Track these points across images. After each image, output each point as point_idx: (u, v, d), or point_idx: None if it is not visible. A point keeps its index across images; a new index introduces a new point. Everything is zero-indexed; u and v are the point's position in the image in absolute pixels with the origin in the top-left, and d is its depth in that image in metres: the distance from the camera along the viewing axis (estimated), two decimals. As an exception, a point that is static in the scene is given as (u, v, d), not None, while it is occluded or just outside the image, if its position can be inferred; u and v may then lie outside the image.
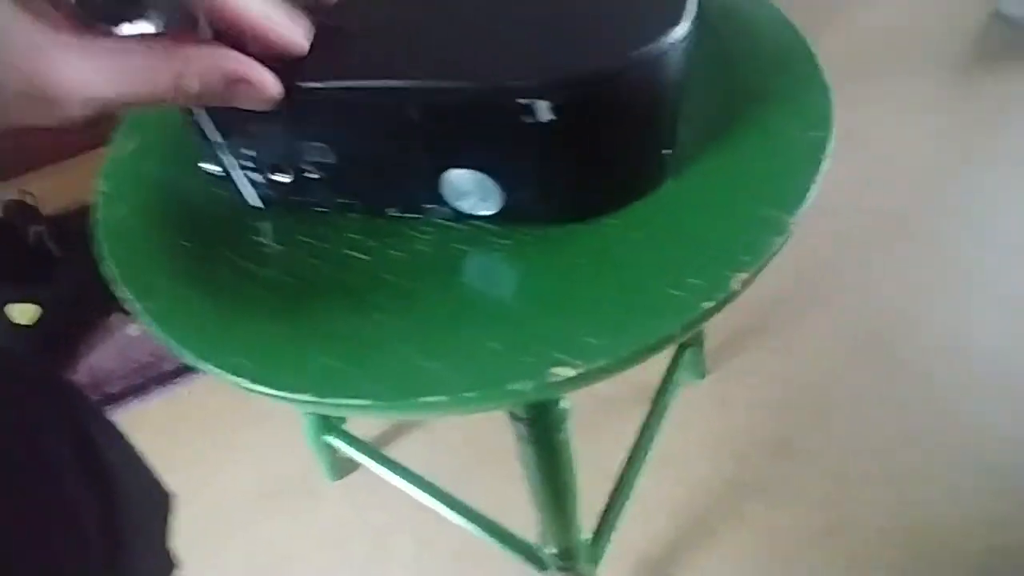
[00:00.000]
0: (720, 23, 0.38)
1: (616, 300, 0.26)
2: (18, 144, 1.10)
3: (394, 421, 0.92)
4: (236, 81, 0.23)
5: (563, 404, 0.38)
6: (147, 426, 0.96)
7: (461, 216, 0.30)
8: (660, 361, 0.77)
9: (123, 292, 0.31)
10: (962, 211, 1.04)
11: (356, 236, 0.31)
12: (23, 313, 1.00)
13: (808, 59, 0.35)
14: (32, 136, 0.57)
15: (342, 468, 0.86)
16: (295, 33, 0.25)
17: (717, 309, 0.25)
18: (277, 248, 0.32)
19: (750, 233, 0.27)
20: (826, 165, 0.29)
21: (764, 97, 0.33)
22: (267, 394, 0.26)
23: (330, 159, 0.29)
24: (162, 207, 0.36)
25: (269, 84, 0.24)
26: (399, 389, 0.24)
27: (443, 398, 0.24)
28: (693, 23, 0.26)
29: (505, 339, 0.25)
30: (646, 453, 0.66)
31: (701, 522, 0.79)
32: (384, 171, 0.29)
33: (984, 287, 0.94)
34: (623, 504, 0.63)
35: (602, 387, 0.94)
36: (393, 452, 0.88)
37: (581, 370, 0.24)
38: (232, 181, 0.32)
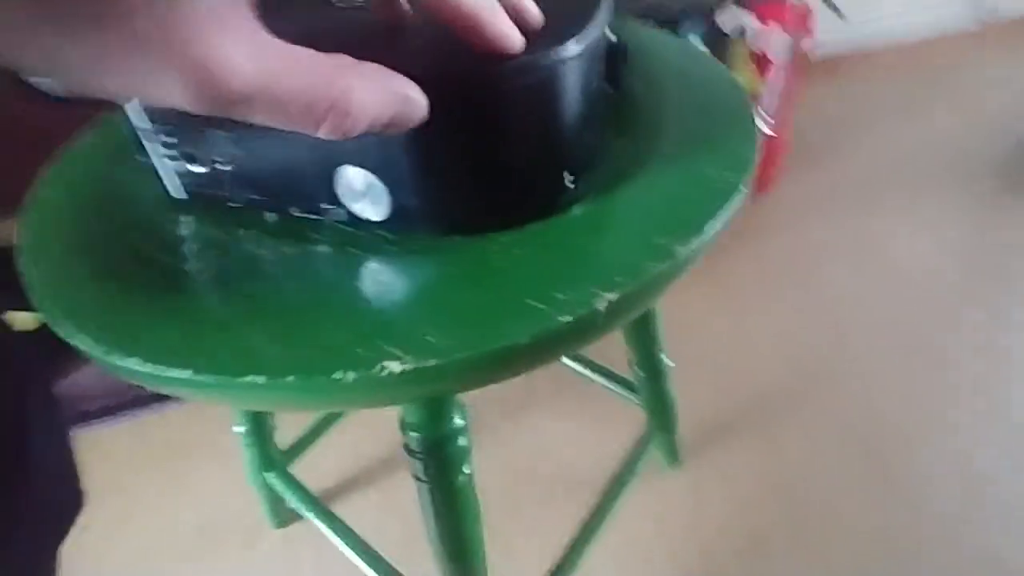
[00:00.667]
0: (657, 68, 0.38)
1: (471, 305, 0.24)
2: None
3: (348, 474, 0.88)
4: (405, 100, 0.21)
5: (461, 442, 0.35)
6: (111, 448, 0.95)
7: (357, 220, 0.29)
8: (629, 443, 0.73)
9: (21, 263, 0.31)
10: (975, 335, 0.99)
11: (259, 232, 0.31)
12: (24, 321, 1.02)
13: (741, 107, 0.34)
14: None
15: (287, 516, 0.82)
16: (512, 30, 0.23)
17: (577, 328, 0.23)
18: (180, 237, 0.32)
19: (632, 256, 0.25)
20: (736, 204, 0.28)
21: (690, 139, 0.32)
22: (93, 354, 0.25)
23: (237, 151, 0.29)
24: (94, 195, 0.36)
25: (422, 106, 0.21)
26: (222, 366, 0.23)
27: (261, 378, 0.22)
28: (596, 47, 0.26)
29: (349, 332, 0.24)
30: (593, 534, 0.61)
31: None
32: (282, 166, 0.29)
33: (994, 414, 0.88)
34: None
35: (567, 465, 0.89)
36: (342, 508, 0.84)
37: (409, 366, 0.22)
38: (157, 172, 0.33)
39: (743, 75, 1.05)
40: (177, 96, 0.17)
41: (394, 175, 0.27)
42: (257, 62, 0.17)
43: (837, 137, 1.44)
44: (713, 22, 1.06)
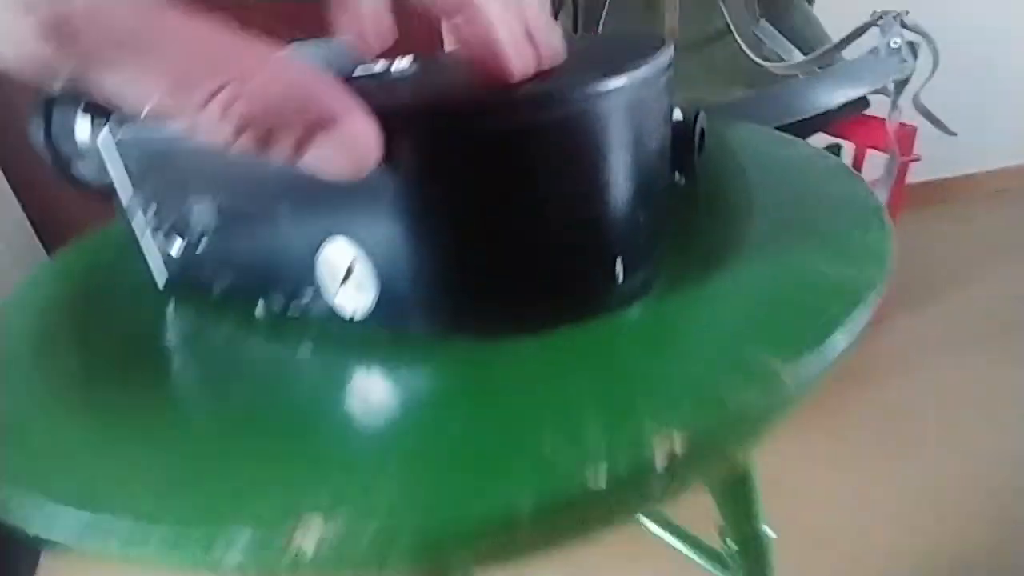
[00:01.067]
0: (745, 157, 0.31)
1: (460, 444, 0.16)
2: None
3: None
4: (322, 126, 0.15)
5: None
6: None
7: (343, 314, 0.23)
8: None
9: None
10: None
11: (242, 329, 0.25)
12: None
13: (861, 193, 0.26)
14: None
15: None
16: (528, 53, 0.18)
17: (619, 489, 0.14)
18: (155, 336, 0.27)
19: (711, 378, 0.16)
20: (869, 308, 0.19)
21: (793, 226, 0.24)
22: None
23: (217, 221, 0.25)
24: (80, 288, 0.33)
25: (370, 143, 0.15)
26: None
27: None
28: (650, 96, 0.20)
29: (281, 478, 0.16)
30: None
31: None
32: (263, 242, 0.24)
33: None
34: None
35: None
36: None
37: (332, 534, 0.13)
38: (142, 254, 0.29)
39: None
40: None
41: (381, 248, 0.20)
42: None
43: (951, 265, 1.28)
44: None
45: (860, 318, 0.18)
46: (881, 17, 0.84)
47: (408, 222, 0.19)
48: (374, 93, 0.18)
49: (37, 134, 0.38)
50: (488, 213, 0.18)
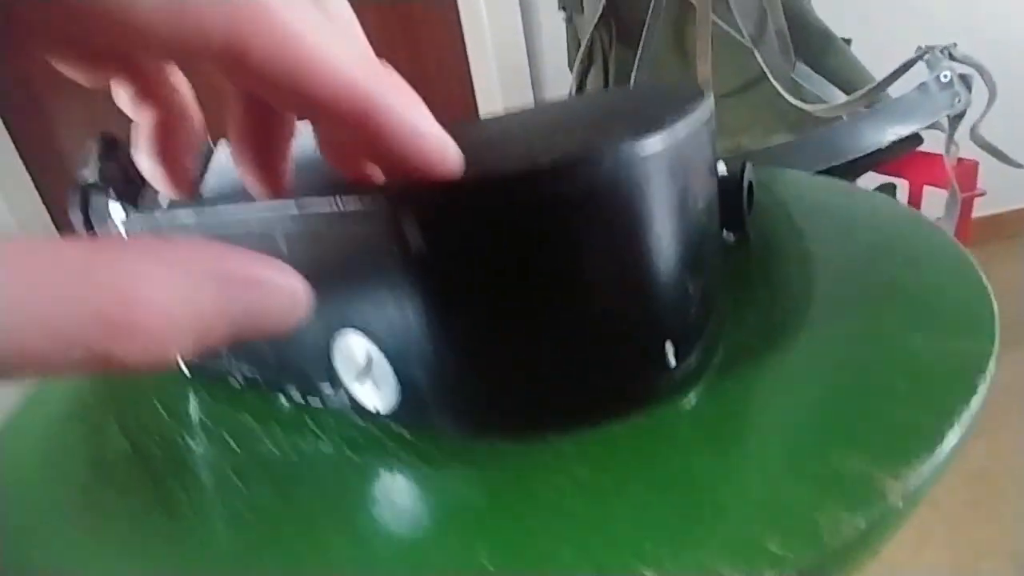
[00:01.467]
0: (803, 210, 0.28)
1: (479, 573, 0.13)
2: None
3: None
4: (245, 286, 0.12)
5: None
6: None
7: (362, 409, 0.20)
8: None
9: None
10: None
11: (259, 423, 0.23)
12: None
13: (950, 249, 0.22)
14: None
15: None
16: (449, 146, 0.15)
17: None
18: (163, 420, 0.25)
19: (794, 493, 0.13)
20: (982, 393, 0.15)
21: (872, 294, 0.21)
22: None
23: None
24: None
25: (298, 291, 0.13)
26: None
27: None
28: (693, 155, 0.17)
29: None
30: None
31: None
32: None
33: None
34: None
35: None
36: None
37: None
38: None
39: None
40: None
41: (398, 343, 0.18)
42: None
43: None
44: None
45: (976, 408, 0.15)
46: (927, 52, 0.80)
47: (421, 312, 0.16)
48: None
49: (76, 220, 0.38)
50: (515, 298, 0.16)
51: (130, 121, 0.18)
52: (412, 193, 0.15)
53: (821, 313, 0.20)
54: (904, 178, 0.98)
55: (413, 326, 0.17)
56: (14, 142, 1.33)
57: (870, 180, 0.94)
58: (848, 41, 1.02)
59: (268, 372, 0.24)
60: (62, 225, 1.50)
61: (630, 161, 0.15)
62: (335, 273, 0.18)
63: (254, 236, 0.19)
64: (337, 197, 0.16)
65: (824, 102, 0.93)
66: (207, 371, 0.27)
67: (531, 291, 0.16)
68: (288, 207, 0.18)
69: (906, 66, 0.81)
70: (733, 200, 0.27)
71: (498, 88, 1.30)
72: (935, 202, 0.90)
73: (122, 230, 0.37)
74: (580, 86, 1.02)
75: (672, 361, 0.17)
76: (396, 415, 0.19)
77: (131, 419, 0.26)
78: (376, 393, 0.19)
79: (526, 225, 0.15)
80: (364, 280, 0.18)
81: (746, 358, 0.19)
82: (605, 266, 0.16)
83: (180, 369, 0.28)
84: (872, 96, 0.84)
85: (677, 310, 0.18)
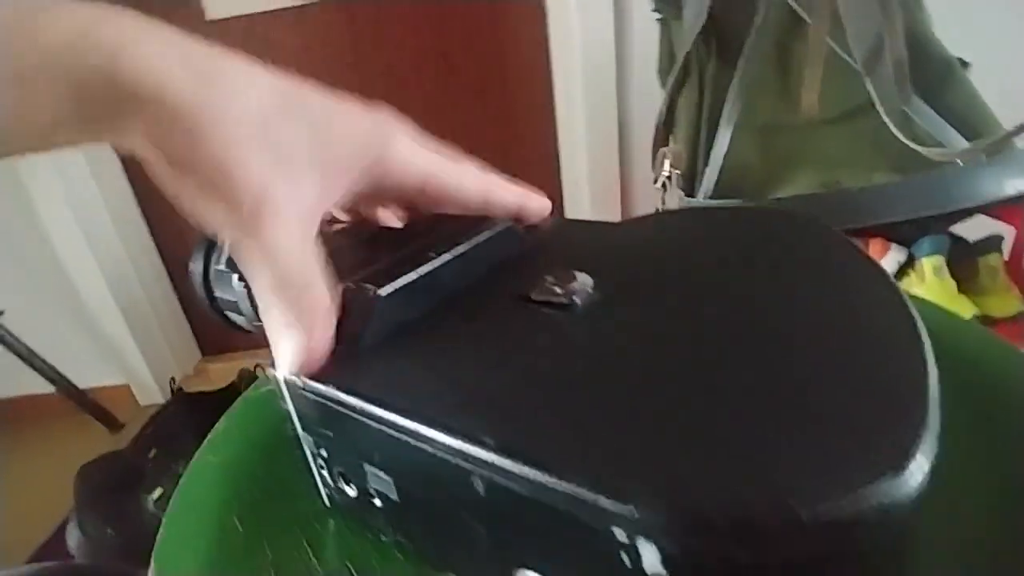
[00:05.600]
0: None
1: None
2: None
3: None
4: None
5: None
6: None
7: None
8: None
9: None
10: None
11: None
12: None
13: None
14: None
15: None
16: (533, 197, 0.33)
17: None
18: (303, 554, 0.27)
19: None
20: None
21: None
22: None
23: (392, 496, 0.24)
24: (253, 467, 0.33)
25: (319, 351, 0.24)
26: None
27: None
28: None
29: None
30: None
31: None
32: (447, 534, 0.23)
33: None
34: None
35: None
36: None
37: None
38: (311, 472, 0.29)
39: (1000, 299, 0.86)
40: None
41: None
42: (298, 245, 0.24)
43: None
44: (954, 236, 0.91)
45: None
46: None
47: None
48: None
49: (196, 272, 0.39)
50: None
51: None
52: (664, 515, 0.15)
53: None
54: (1010, 224, 0.92)
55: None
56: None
57: (970, 225, 0.88)
58: (965, 65, 0.95)
59: (434, 556, 0.24)
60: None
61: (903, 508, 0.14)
62: (528, 532, 0.18)
63: (448, 467, 0.19)
64: (587, 483, 0.16)
65: (937, 141, 0.87)
66: (357, 517, 0.27)
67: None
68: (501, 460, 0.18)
69: (1039, 119, 0.75)
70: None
71: (580, 92, 1.25)
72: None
73: (243, 317, 0.38)
74: (671, 104, 0.98)
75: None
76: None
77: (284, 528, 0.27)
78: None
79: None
80: (563, 552, 0.18)
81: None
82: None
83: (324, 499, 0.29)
84: (998, 144, 0.78)
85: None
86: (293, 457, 0.28)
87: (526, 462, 0.17)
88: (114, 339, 1.46)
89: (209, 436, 0.36)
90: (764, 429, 0.16)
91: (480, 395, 0.21)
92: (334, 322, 0.25)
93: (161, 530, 0.30)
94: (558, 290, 0.26)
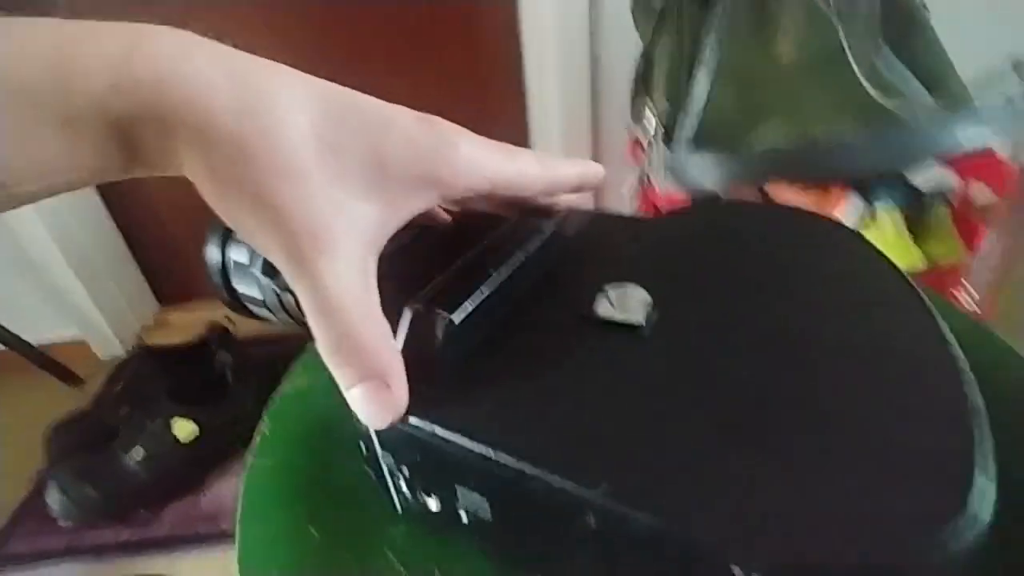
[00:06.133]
0: None
1: None
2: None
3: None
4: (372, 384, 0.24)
5: None
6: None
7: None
8: None
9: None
10: None
11: None
12: (183, 428, 1.08)
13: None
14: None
15: None
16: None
17: None
18: (389, 561, 0.29)
19: None
20: None
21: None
22: None
23: (486, 516, 0.26)
24: (309, 469, 0.35)
25: (400, 403, 0.24)
26: None
27: None
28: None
29: None
30: None
31: None
32: (543, 551, 0.25)
33: None
34: None
35: None
36: None
37: None
38: (376, 477, 0.30)
39: (946, 245, 0.93)
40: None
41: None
42: (349, 283, 0.24)
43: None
44: (909, 184, 0.96)
45: None
46: (1017, 65, 0.78)
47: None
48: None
49: (212, 260, 0.39)
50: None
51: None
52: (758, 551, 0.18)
53: None
54: (963, 177, 0.98)
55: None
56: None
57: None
58: (926, 9, 0.97)
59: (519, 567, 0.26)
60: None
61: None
62: (634, 559, 0.21)
63: (557, 502, 0.21)
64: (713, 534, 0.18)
65: (900, 92, 0.90)
66: (433, 527, 0.29)
67: None
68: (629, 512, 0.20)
69: (997, 77, 0.79)
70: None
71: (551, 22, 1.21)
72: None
73: (269, 312, 0.38)
74: (648, 55, 0.96)
75: None
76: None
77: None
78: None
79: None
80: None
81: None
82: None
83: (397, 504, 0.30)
84: (956, 103, 0.82)
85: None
86: (348, 460, 0.30)
87: (643, 508, 0.20)
88: (66, 293, 1.39)
89: (256, 438, 0.37)
90: (858, 480, 0.19)
91: (580, 432, 0.22)
92: (403, 368, 0.24)
93: (237, 539, 0.31)
94: (620, 310, 0.27)
